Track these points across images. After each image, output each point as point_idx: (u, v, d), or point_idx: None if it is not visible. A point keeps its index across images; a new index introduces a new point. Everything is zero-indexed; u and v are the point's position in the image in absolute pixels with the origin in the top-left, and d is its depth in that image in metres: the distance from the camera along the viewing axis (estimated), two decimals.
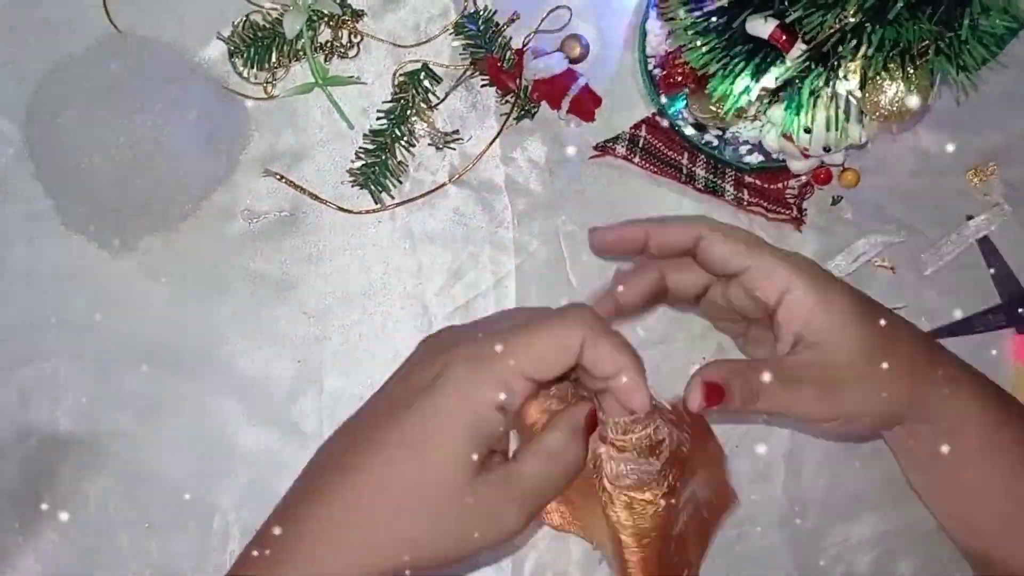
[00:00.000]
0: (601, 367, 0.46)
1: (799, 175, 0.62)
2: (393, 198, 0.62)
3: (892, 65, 0.48)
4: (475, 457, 0.44)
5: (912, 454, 0.55)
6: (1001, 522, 0.54)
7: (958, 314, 0.64)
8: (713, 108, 0.62)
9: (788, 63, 0.50)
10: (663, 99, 0.63)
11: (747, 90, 0.53)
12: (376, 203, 0.62)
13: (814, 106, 0.53)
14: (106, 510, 0.60)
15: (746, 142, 0.63)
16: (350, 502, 0.45)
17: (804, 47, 0.49)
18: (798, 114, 0.53)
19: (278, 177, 0.61)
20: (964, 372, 0.54)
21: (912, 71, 0.48)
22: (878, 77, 0.49)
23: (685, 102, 0.63)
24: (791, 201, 0.64)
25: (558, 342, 0.45)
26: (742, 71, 0.51)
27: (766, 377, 0.48)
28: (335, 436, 0.49)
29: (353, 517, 0.45)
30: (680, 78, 0.61)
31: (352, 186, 0.62)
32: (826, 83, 0.50)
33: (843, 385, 0.49)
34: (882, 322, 0.51)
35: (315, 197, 0.61)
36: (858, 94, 0.51)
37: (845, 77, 0.50)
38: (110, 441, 0.60)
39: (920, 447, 0.54)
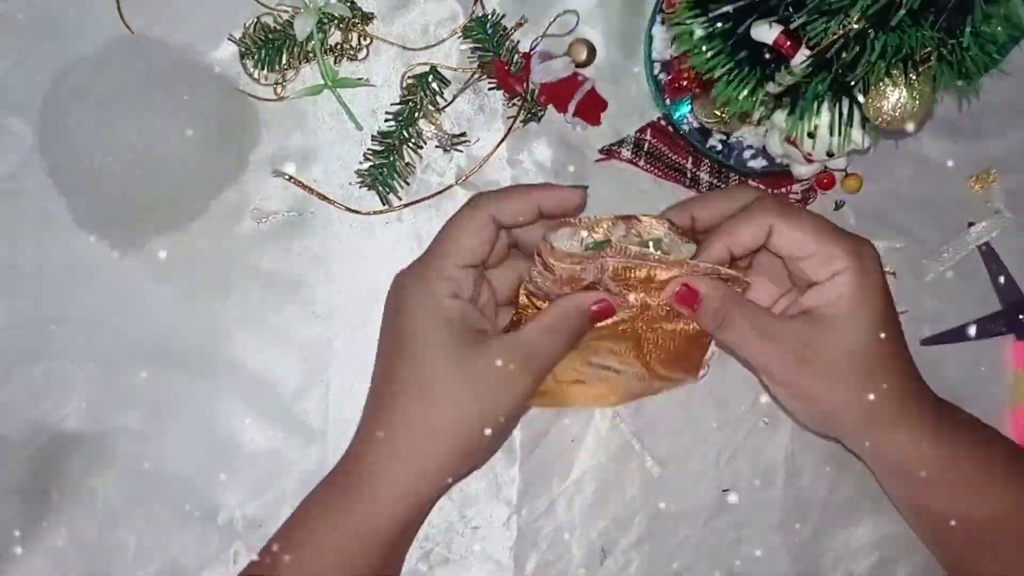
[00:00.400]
0: (516, 216, 0.52)
1: (802, 180, 0.63)
2: (400, 199, 0.63)
3: (895, 71, 0.49)
4: (458, 340, 0.50)
5: (885, 463, 0.57)
6: (973, 535, 0.55)
7: (958, 320, 0.65)
8: (717, 112, 0.62)
9: (792, 68, 0.51)
10: (668, 103, 0.63)
11: (751, 95, 0.53)
12: (384, 204, 0.62)
13: (817, 111, 0.53)
14: (114, 507, 0.60)
15: (750, 146, 0.63)
16: (368, 436, 0.52)
17: (808, 53, 0.49)
18: (802, 119, 0.54)
19: (287, 177, 0.62)
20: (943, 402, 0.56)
21: (914, 77, 0.49)
22: (881, 83, 0.50)
23: (690, 106, 0.63)
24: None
25: (470, 226, 0.52)
26: (746, 76, 0.52)
27: (750, 318, 0.52)
28: None
29: (386, 446, 0.51)
30: (685, 83, 0.62)
31: (360, 187, 0.62)
32: (829, 89, 0.51)
33: (813, 366, 0.52)
34: (893, 342, 0.53)
35: (323, 197, 0.62)
36: (861, 100, 0.52)
37: (848, 83, 0.51)
38: (118, 439, 0.61)
39: (892, 459, 0.55)
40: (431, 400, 0.50)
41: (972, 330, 0.64)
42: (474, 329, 0.51)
